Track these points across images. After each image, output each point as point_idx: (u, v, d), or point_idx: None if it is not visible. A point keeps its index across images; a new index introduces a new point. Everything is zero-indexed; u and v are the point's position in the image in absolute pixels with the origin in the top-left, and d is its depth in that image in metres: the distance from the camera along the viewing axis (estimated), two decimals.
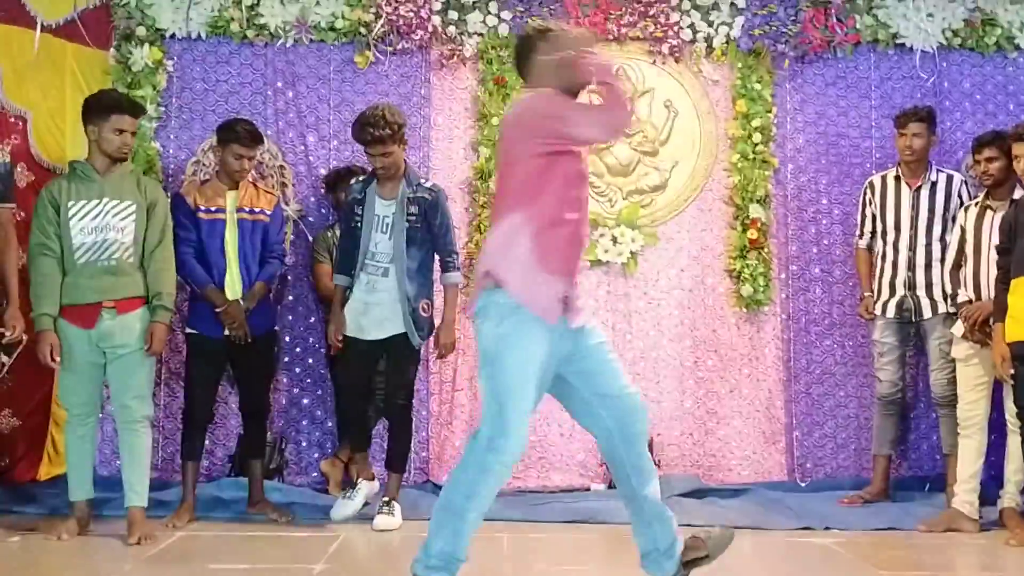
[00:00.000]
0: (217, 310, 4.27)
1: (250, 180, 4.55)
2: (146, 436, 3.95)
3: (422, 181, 4.29)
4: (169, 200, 4.26)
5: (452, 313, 4.30)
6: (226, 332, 4.28)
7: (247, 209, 4.41)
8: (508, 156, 2.87)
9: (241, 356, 4.38)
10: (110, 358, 3.90)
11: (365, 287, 4.20)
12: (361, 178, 4.35)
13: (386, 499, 4.22)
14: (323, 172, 5.15)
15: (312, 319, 5.11)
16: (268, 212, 4.48)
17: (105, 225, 3.90)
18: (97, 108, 3.97)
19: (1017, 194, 4.35)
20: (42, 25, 4.76)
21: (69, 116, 4.98)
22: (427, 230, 4.22)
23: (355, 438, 4.44)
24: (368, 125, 4.07)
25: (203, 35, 5.19)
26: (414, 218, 4.17)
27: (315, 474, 5.08)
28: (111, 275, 3.89)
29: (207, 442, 5.01)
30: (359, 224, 4.21)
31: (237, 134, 4.37)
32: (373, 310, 4.18)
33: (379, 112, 4.10)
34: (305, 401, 5.14)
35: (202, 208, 4.35)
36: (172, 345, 4.92)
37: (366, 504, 4.27)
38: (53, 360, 3.84)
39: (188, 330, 4.44)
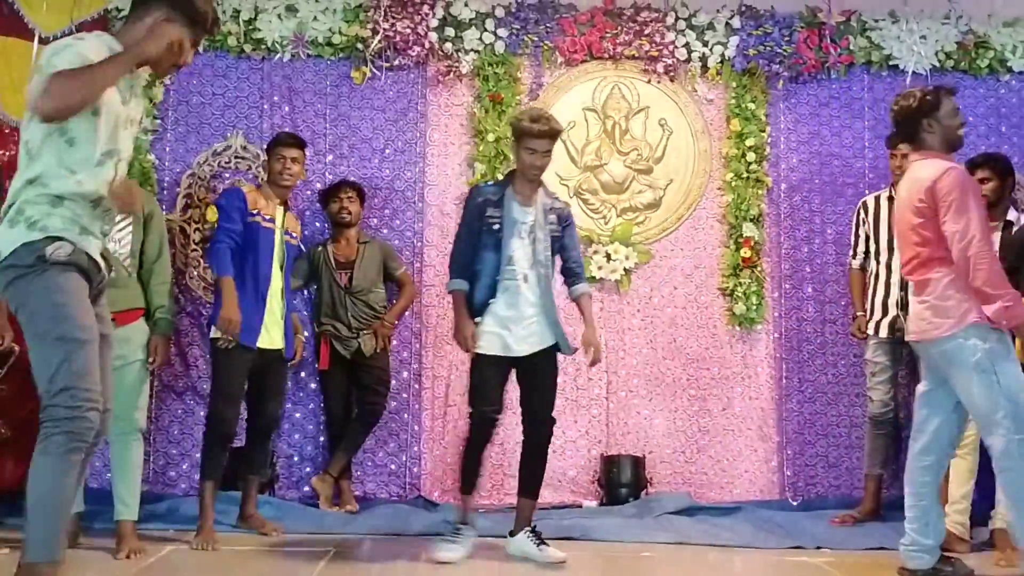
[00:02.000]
0: (223, 310, 4.03)
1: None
2: (138, 449, 3.92)
3: (555, 195, 4.14)
4: (222, 191, 4.35)
5: (592, 317, 4.08)
6: (260, 344, 4.11)
7: (287, 231, 4.33)
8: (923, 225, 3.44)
9: (262, 371, 4.23)
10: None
11: (506, 297, 3.88)
12: (491, 182, 4.22)
13: (531, 527, 3.93)
14: (319, 187, 5.16)
15: (305, 332, 5.10)
16: (298, 237, 4.48)
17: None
18: None
19: (1011, 215, 4.37)
20: (40, 37, 4.77)
21: None
22: (560, 243, 4.03)
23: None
24: (541, 118, 3.88)
25: (200, 49, 5.18)
26: (554, 227, 3.98)
27: (307, 488, 5.07)
28: (115, 287, 3.77)
29: (176, 453, 5.00)
30: (498, 226, 3.89)
31: (279, 138, 4.38)
32: (517, 324, 3.88)
33: (545, 112, 4.02)
34: (297, 415, 5.13)
35: (261, 213, 4.20)
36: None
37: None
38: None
39: (212, 334, 4.18)
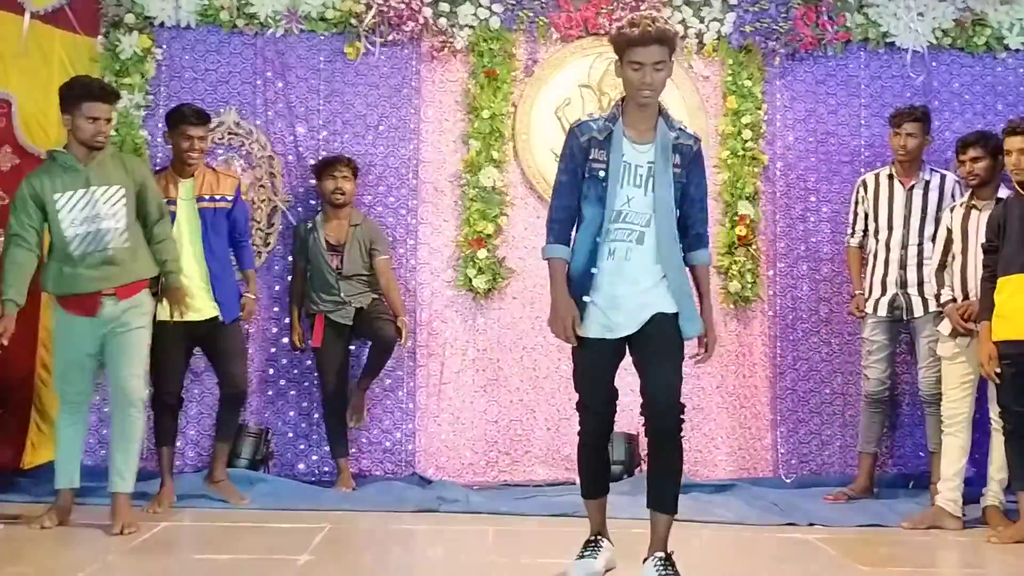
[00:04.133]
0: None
1: (209, 166, 4.55)
2: (139, 419, 3.88)
3: (683, 125, 3.21)
4: None
5: (710, 299, 3.24)
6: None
7: (208, 197, 4.40)
8: None
9: (213, 341, 4.41)
10: (108, 339, 3.84)
11: (614, 263, 3.08)
12: (596, 115, 3.20)
13: (661, 555, 3.10)
14: (312, 163, 5.12)
15: (300, 309, 5.09)
16: (230, 197, 4.48)
17: (96, 215, 3.82)
18: (69, 96, 3.86)
19: (1002, 193, 4.37)
20: (30, 12, 4.72)
21: (56, 102, 4.94)
22: (683, 189, 3.14)
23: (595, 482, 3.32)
24: (643, 19, 3.02)
25: (192, 23, 5.16)
26: (679, 171, 3.11)
27: (301, 465, 5.08)
28: (109, 264, 3.84)
29: (193, 432, 5.03)
30: (603, 172, 3.08)
31: (183, 114, 4.39)
32: (626, 297, 3.07)
33: (653, 15, 3.08)
34: (292, 393, 5.13)
35: None
36: None
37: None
38: (2, 346, 3.81)
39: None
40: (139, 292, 3.92)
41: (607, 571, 3.24)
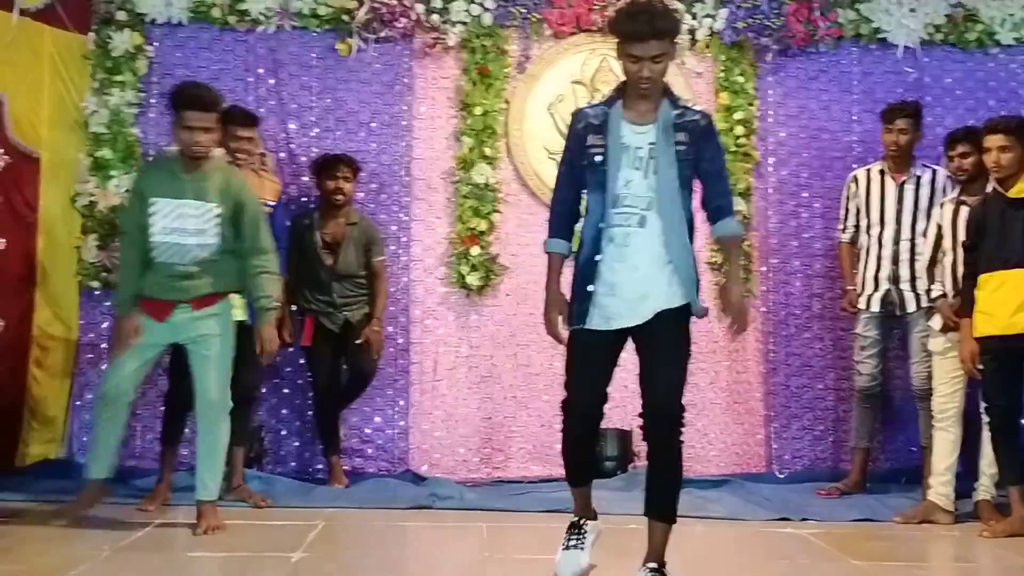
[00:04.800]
0: None
1: (253, 170, 4.46)
2: (222, 429, 3.82)
3: (689, 103, 3.13)
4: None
5: (738, 270, 3.11)
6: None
7: None
8: None
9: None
10: (188, 347, 3.80)
11: (615, 248, 2.95)
12: (596, 101, 3.16)
13: (653, 566, 2.97)
14: (304, 160, 5.11)
15: (293, 307, 5.08)
16: (272, 202, 4.43)
17: (183, 228, 3.72)
18: (171, 103, 3.78)
19: (989, 189, 4.38)
20: (20, 8, 4.70)
21: (47, 100, 4.94)
22: (693, 167, 2.99)
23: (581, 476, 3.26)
24: (641, 13, 2.89)
25: (184, 20, 5.14)
26: (684, 148, 2.95)
27: (294, 463, 5.08)
28: (188, 279, 3.75)
29: (188, 431, 5.00)
30: (600, 157, 2.96)
31: (233, 115, 4.32)
32: (625, 284, 2.94)
33: (649, 3, 2.93)
34: (286, 390, 5.13)
35: None
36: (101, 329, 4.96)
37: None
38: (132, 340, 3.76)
39: None
40: (217, 302, 3.84)
41: (595, 541, 3.20)
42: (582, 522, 3.20)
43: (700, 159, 2.99)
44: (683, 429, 2.96)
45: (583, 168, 3.02)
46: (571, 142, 3.06)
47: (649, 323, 2.94)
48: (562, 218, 3.10)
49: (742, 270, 3.13)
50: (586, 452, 3.22)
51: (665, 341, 2.94)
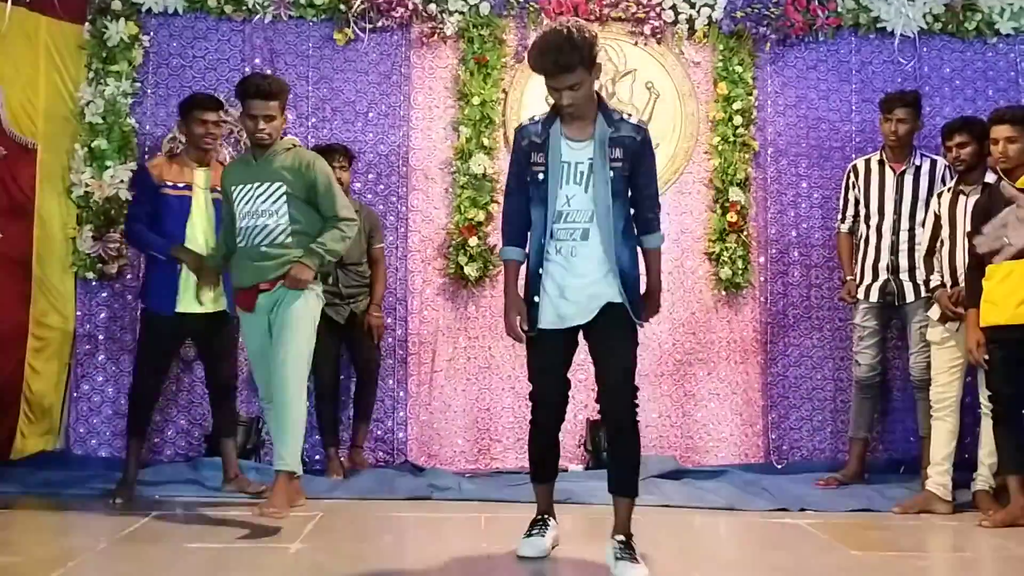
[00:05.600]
0: (191, 268, 4.18)
1: (219, 160, 4.50)
2: (295, 407, 3.78)
3: (624, 116, 3.27)
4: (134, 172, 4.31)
5: (658, 281, 3.34)
6: (179, 309, 4.22)
7: (218, 188, 4.30)
8: None
9: (203, 333, 4.37)
10: (272, 324, 3.86)
11: (561, 258, 3.20)
12: (536, 117, 3.30)
13: (620, 539, 3.18)
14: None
15: None
16: None
17: (256, 211, 3.86)
18: (238, 95, 3.94)
19: (989, 178, 4.37)
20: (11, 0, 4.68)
21: (43, 90, 4.92)
22: (630, 180, 3.22)
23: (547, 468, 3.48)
24: (550, 50, 3.07)
25: (180, 10, 5.12)
26: (620, 165, 3.17)
27: None
28: (268, 259, 3.83)
29: (184, 422, 5.02)
30: (542, 175, 3.19)
31: (196, 100, 4.36)
32: (574, 288, 3.20)
33: (563, 33, 3.07)
34: None
35: (168, 183, 4.26)
36: (124, 323, 4.94)
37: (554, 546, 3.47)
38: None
39: (143, 306, 4.44)
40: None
41: (553, 547, 3.41)
42: (546, 517, 3.46)
43: (633, 174, 3.22)
44: (637, 409, 3.20)
45: (527, 184, 3.25)
46: (517, 156, 3.29)
47: (597, 318, 3.20)
48: (514, 227, 3.33)
49: (660, 279, 3.38)
50: (551, 444, 3.42)
51: (615, 330, 3.20)
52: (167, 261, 4.22)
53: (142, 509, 3.98)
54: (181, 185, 4.27)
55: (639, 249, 3.30)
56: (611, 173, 3.17)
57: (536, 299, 3.23)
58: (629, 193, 3.24)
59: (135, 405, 4.31)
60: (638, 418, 3.21)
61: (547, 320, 3.22)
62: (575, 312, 3.20)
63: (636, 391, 3.20)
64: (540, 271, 3.23)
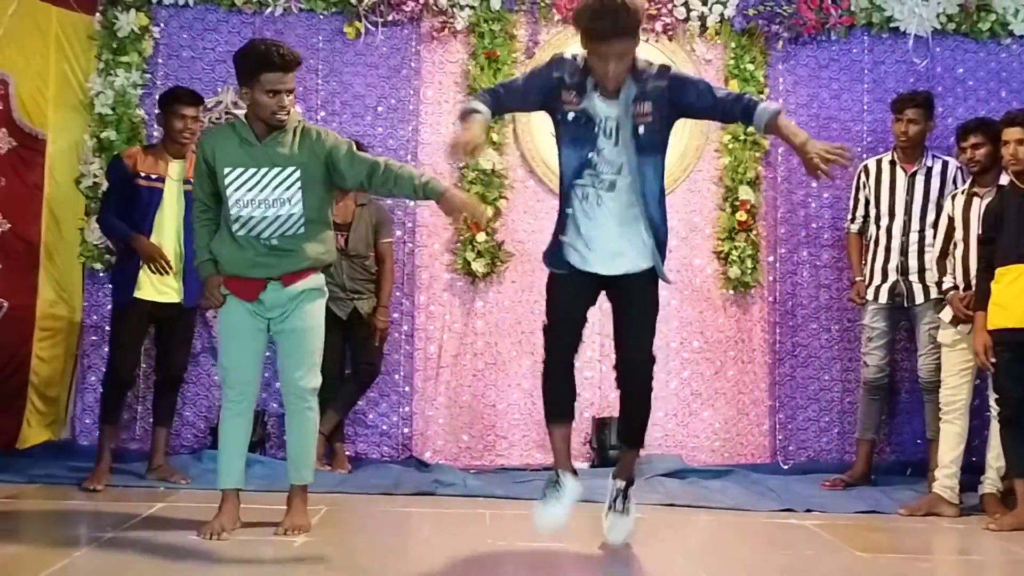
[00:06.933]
0: (143, 257, 4.20)
1: (193, 151, 4.46)
2: (311, 413, 3.57)
3: (648, 67, 3.18)
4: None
5: (796, 131, 3.18)
6: (137, 295, 4.25)
7: (190, 180, 4.32)
8: None
9: (162, 321, 4.40)
10: (275, 329, 3.52)
11: (588, 206, 3.20)
12: (576, 56, 3.21)
13: (620, 484, 3.41)
14: None
15: None
16: None
17: (266, 199, 3.39)
18: (245, 65, 3.38)
19: (1004, 180, 4.34)
20: None
21: (53, 81, 4.93)
22: (667, 126, 3.20)
23: (560, 405, 3.43)
24: (608, 12, 2.96)
25: (191, 2, 5.12)
26: (650, 120, 3.14)
27: None
28: (278, 253, 3.43)
29: (189, 413, 5.02)
30: (573, 115, 3.16)
31: (177, 95, 4.36)
32: (600, 241, 3.21)
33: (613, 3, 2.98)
34: None
35: (142, 174, 4.28)
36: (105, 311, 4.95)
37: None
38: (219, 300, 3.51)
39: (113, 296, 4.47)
40: (308, 277, 3.51)
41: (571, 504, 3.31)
42: (562, 476, 3.31)
43: (686, 107, 3.18)
44: (653, 374, 3.34)
45: (553, 116, 3.22)
46: (543, 72, 3.22)
47: (621, 284, 3.25)
48: (497, 98, 3.21)
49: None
50: (569, 377, 3.35)
51: (637, 300, 3.27)
52: (127, 249, 4.28)
53: (148, 500, 3.98)
54: (154, 177, 4.28)
55: (764, 128, 3.15)
56: (641, 129, 3.13)
57: (562, 238, 3.24)
58: (666, 150, 3.23)
59: (107, 393, 4.38)
60: (653, 383, 3.34)
61: (573, 260, 3.23)
62: (597, 259, 3.21)
63: (654, 361, 3.30)
64: (568, 210, 3.22)
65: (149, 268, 4.24)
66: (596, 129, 3.15)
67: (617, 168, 3.16)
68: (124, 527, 3.55)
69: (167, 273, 4.26)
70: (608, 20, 2.96)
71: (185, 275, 4.30)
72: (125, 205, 4.26)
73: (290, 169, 3.40)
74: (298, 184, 3.41)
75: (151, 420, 4.67)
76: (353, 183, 3.52)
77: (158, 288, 4.29)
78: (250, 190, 3.40)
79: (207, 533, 3.39)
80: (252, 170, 3.40)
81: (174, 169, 4.33)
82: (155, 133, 5.05)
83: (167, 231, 4.29)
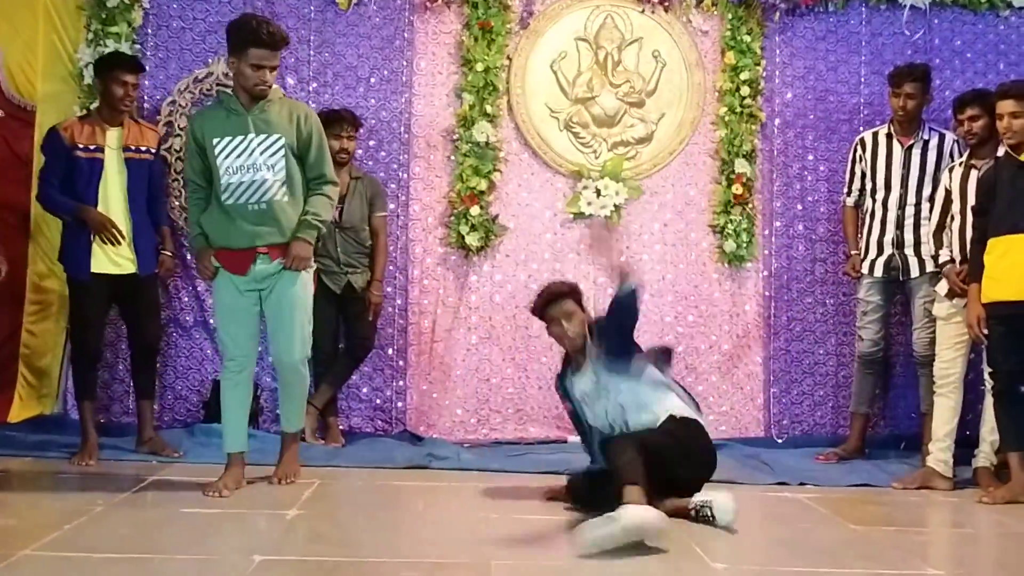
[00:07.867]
0: (94, 228, 4.16)
1: (133, 118, 4.44)
2: (301, 380, 3.92)
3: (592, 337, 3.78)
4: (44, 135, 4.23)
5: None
6: (94, 270, 4.19)
7: (133, 147, 4.30)
8: None
9: (123, 295, 4.34)
10: (265, 299, 3.74)
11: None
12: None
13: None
14: None
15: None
16: (153, 149, 4.40)
17: (252, 164, 3.64)
18: (235, 39, 3.63)
19: (1001, 152, 4.32)
20: None
21: (42, 52, 4.87)
22: (623, 346, 3.74)
23: None
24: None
25: None
26: (604, 358, 3.73)
27: None
28: (264, 219, 3.65)
29: (182, 388, 5.00)
30: (578, 418, 3.87)
31: (120, 60, 4.30)
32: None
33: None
34: None
35: (80, 146, 4.21)
36: None
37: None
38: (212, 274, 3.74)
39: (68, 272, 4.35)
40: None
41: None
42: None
43: (616, 333, 3.71)
44: None
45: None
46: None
47: None
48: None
49: None
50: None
51: None
52: (76, 224, 4.21)
53: (139, 473, 3.97)
54: (92, 147, 4.21)
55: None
56: (605, 372, 3.63)
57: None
58: (632, 362, 3.67)
59: (78, 370, 4.37)
60: None
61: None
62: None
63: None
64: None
65: (101, 239, 4.17)
66: (590, 408, 3.69)
67: (621, 414, 3.61)
68: (116, 500, 3.54)
69: (119, 243, 4.20)
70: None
71: (136, 243, 4.26)
72: (66, 179, 4.20)
73: (275, 136, 3.67)
74: (282, 152, 3.67)
75: (171, 398, 4.68)
76: (310, 172, 3.78)
77: (113, 259, 4.23)
78: (238, 156, 3.65)
79: (212, 491, 3.61)
80: (240, 137, 3.66)
81: (112, 137, 4.26)
82: (146, 105, 4.99)
83: (113, 201, 4.23)
